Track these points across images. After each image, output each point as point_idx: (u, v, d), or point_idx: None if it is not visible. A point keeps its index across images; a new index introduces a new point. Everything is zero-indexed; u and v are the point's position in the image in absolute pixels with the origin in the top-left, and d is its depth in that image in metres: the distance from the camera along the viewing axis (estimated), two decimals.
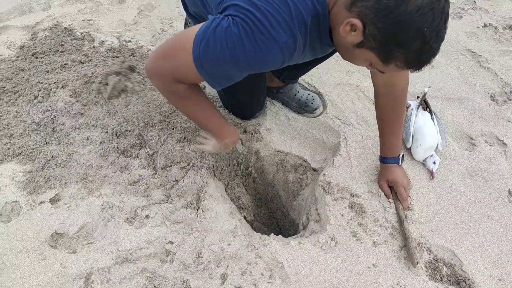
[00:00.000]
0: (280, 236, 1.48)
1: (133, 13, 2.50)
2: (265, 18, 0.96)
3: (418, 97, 1.78)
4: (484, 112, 1.80)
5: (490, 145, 1.67)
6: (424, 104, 1.77)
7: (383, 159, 1.53)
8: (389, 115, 1.44)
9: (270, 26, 0.96)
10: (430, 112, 1.72)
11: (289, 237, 1.46)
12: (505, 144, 1.66)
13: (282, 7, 0.97)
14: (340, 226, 1.42)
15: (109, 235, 1.37)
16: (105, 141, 1.65)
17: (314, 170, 1.72)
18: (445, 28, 0.90)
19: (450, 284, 1.28)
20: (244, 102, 1.75)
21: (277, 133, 1.82)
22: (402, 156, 1.52)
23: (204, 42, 1.02)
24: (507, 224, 1.41)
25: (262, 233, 1.49)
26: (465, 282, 1.27)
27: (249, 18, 0.97)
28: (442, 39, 0.91)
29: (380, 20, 0.88)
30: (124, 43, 2.22)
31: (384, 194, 1.51)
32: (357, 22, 0.92)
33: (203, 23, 1.06)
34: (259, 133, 1.80)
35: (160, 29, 2.39)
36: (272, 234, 1.48)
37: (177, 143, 1.66)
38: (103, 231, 1.38)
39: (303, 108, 1.84)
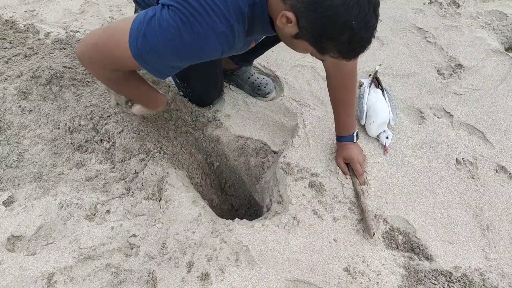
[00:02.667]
0: (244, 220, 1.50)
1: (79, 2, 2.38)
2: (201, 7, 0.95)
3: (370, 75, 1.84)
4: (432, 86, 1.89)
5: (438, 118, 1.76)
6: (376, 82, 1.83)
7: (339, 138, 1.58)
8: (341, 95, 1.48)
9: (207, 15, 0.95)
10: (382, 89, 1.78)
11: (253, 220, 1.49)
12: (452, 115, 1.76)
13: None
14: (301, 205, 1.46)
15: (69, 234, 1.34)
16: (58, 137, 1.60)
17: (275, 152, 1.74)
18: (375, 17, 0.91)
19: (405, 252, 1.36)
20: (199, 90, 1.74)
21: (236, 118, 1.82)
22: (357, 133, 1.57)
23: (142, 37, 1.00)
24: (455, 190, 1.51)
25: (227, 219, 1.51)
26: (418, 248, 1.35)
27: (185, 8, 0.95)
28: (373, 28, 0.93)
29: (309, 14, 0.90)
30: (71, 34, 2.13)
31: (342, 171, 1.56)
32: (290, 15, 0.93)
33: (137, 13, 1.04)
34: (218, 120, 1.80)
35: (109, 17, 2.30)
36: (237, 218, 1.51)
37: (134, 135, 1.63)
38: (63, 230, 1.35)
39: (256, 91, 1.85)
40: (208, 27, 0.97)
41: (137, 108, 1.47)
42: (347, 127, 1.55)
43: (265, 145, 1.78)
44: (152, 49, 1.01)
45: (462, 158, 1.60)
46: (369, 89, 1.77)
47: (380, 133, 1.65)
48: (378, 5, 0.92)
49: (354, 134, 1.56)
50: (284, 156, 1.63)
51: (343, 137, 1.57)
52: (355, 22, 0.88)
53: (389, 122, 1.67)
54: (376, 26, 0.93)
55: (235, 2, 0.98)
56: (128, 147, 1.60)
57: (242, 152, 1.81)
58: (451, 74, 1.95)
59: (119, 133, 1.64)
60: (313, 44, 0.97)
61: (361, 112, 1.70)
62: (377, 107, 1.67)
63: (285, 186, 1.54)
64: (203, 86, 1.72)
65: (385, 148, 1.63)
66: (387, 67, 1.99)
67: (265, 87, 1.85)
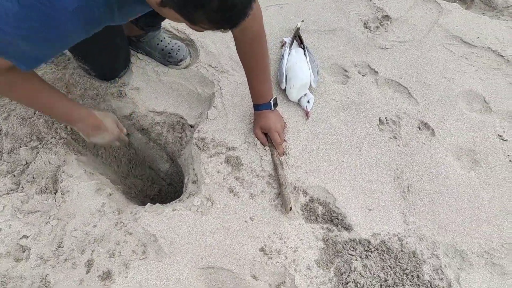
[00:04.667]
0: (157, 204, 1.38)
1: None
2: None
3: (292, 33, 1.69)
4: (357, 42, 1.77)
5: (362, 75, 1.66)
6: (298, 40, 1.68)
7: (255, 106, 1.45)
8: (250, 60, 1.34)
9: None
10: (304, 48, 1.64)
11: (163, 205, 1.36)
12: (377, 72, 1.66)
13: None
14: (217, 183, 1.35)
15: None
16: None
17: (192, 126, 1.60)
18: None
19: (324, 223, 1.29)
20: (100, 64, 1.53)
21: (147, 91, 1.64)
22: (275, 100, 1.45)
23: None
24: (377, 153, 1.44)
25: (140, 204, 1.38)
26: (337, 218, 1.29)
27: None
28: None
29: None
30: None
31: (260, 142, 1.45)
32: None
33: None
34: (126, 95, 1.61)
35: None
36: (149, 203, 1.38)
37: (23, 119, 1.42)
38: None
39: (167, 59, 1.66)
40: (55, 8, 0.85)
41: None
42: (262, 94, 1.42)
43: (182, 118, 1.62)
44: (13, 43, 0.89)
45: (386, 118, 1.53)
46: (290, 49, 1.63)
47: (301, 97, 1.53)
48: None
49: (271, 101, 1.43)
50: (198, 130, 1.49)
51: (259, 105, 1.44)
52: None
53: (310, 85, 1.55)
54: None
55: None
56: (16, 134, 1.39)
57: (157, 128, 1.65)
58: (377, 27, 1.83)
59: (5, 118, 1.42)
60: (180, 12, 0.81)
61: (280, 75, 1.57)
62: (296, 69, 1.54)
63: (200, 164, 1.41)
64: (103, 60, 1.52)
65: (306, 113, 1.52)
66: (312, 23, 1.84)
67: (177, 54, 1.66)
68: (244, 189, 1.34)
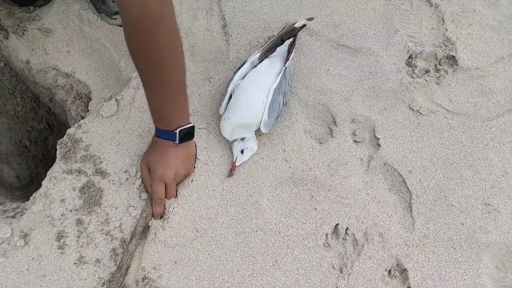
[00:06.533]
0: None
1: None
2: None
3: (283, 29, 1.07)
4: (382, 82, 1.10)
5: (354, 141, 1.03)
6: (290, 44, 1.06)
7: (156, 129, 0.93)
8: (139, 61, 0.79)
9: None
10: (286, 58, 1.03)
11: None
12: (379, 146, 1.01)
13: None
14: (49, 217, 0.91)
15: None
16: None
17: (88, 111, 1.12)
18: None
19: None
20: None
21: (60, 38, 1.16)
22: (187, 130, 0.91)
23: None
24: (299, 283, 0.88)
25: None
26: None
27: None
28: None
29: None
30: None
31: (143, 183, 0.95)
32: None
33: None
34: (29, 32, 1.15)
35: None
36: None
37: None
38: None
39: (100, 4, 1.15)
40: None
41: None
42: (162, 116, 0.89)
43: (89, 93, 1.15)
44: None
45: (347, 229, 0.93)
46: (259, 56, 1.02)
47: (235, 140, 0.97)
48: None
49: (177, 132, 0.89)
50: (79, 125, 1.02)
51: (158, 131, 0.92)
52: None
53: (258, 127, 0.97)
54: None
55: None
56: None
57: (56, 93, 1.20)
58: (427, 71, 1.11)
59: None
60: None
61: (223, 95, 1.00)
62: (242, 95, 0.96)
63: (49, 176, 0.96)
64: None
65: (232, 167, 0.96)
66: (329, 26, 1.17)
67: (113, 2, 1.14)
68: (77, 245, 0.89)
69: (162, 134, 0.91)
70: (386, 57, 1.12)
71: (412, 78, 1.09)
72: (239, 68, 1.02)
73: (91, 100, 1.11)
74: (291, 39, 1.06)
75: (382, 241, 0.90)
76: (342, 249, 0.90)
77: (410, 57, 1.13)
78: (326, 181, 0.96)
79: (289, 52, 1.04)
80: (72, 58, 1.16)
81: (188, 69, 1.10)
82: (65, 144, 0.99)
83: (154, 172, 0.90)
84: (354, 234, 0.91)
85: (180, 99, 0.87)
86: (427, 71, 1.10)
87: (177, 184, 0.95)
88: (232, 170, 0.96)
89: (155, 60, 0.77)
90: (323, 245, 0.90)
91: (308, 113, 1.06)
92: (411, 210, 0.94)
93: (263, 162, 0.98)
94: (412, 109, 1.05)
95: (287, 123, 1.03)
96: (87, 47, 1.17)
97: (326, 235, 0.91)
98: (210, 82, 1.08)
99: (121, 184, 0.96)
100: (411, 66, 1.12)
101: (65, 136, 1.01)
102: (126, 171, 0.97)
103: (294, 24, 1.07)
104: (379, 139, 1.01)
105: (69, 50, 1.16)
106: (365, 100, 1.06)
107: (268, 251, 0.89)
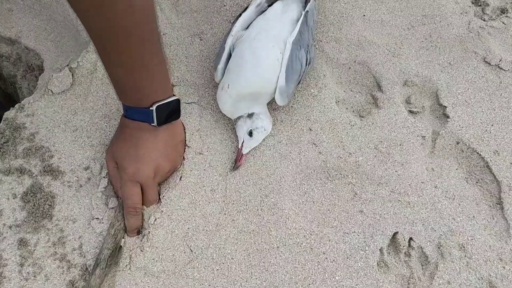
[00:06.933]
0: None
1: None
2: None
3: None
4: (445, 29, 0.79)
5: (410, 112, 0.72)
6: None
7: (123, 107, 0.63)
8: (92, 14, 0.49)
9: None
10: (306, 1, 0.72)
11: None
12: (447, 117, 0.71)
13: None
14: None
15: None
16: None
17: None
18: None
19: None
20: None
21: None
22: (173, 106, 0.62)
23: None
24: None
25: None
26: None
27: None
28: None
29: None
30: None
31: (112, 184, 0.66)
32: None
33: None
34: None
35: None
36: None
37: None
38: None
39: None
40: None
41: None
42: (128, 88, 0.60)
43: (41, 64, 0.85)
44: None
45: (410, 240, 0.64)
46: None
47: (239, 118, 0.67)
48: None
49: (153, 109, 0.60)
50: (18, 108, 0.73)
51: (127, 109, 0.63)
52: None
53: (273, 98, 0.67)
54: None
55: None
56: None
57: (1, 66, 0.90)
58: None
59: None
60: None
61: (219, 53, 0.70)
62: (245, 53, 0.65)
63: None
64: None
65: (238, 155, 0.67)
66: None
67: None
68: (20, 277, 0.61)
69: (133, 113, 0.62)
70: None
71: (484, 21, 0.78)
72: (240, 14, 0.71)
73: (38, 73, 0.81)
74: None
75: (465, 256, 0.61)
76: (406, 271, 0.61)
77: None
78: (374, 171, 0.66)
79: None
80: (16, 18, 0.86)
81: (169, 23, 0.79)
82: (1, 133, 0.70)
83: (124, 169, 0.61)
84: (422, 248, 0.62)
85: (153, 63, 0.57)
86: (503, 11, 0.79)
87: (159, 185, 0.66)
88: (238, 160, 0.66)
89: (124, 12, 0.47)
90: (377, 265, 0.61)
91: (341, 76, 0.75)
92: (502, 208, 0.64)
93: (282, 148, 0.69)
94: (489, 63, 0.74)
95: (313, 90, 0.73)
96: (34, 3, 0.86)
97: (381, 250, 0.62)
98: (200, 39, 0.78)
99: (80, 186, 0.67)
100: (480, 5, 0.80)
101: (1, 122, 0.72)
102: (87, 168, 0.68)
103: None
104: (445, 107, 0.71)
105: (11, 8, 0.86)
106: (421, 54, 0.76)
107: (297, 277, 0.60)
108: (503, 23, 0.77)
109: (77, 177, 0.67)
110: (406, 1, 0.81)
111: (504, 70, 0.73)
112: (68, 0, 0.49)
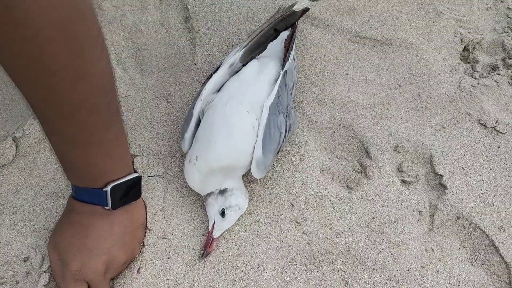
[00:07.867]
0: None
1: None
2: None
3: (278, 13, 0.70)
4: (436, 86, 0.73)
5: (403, 182, 0.65)
6: (289, 36, 0.69)
7: (72, 187, 0.53)
8: (33, 81, 0.41)
9: None
10: (284, 59, 0.65)
11: None
12: (445, 188, 0.64)
13: None
14: None
15: None
16: None
17: None
18: None
19: None
20: None
21: None
22: (132, 184, 0.52)
23: None
24: None
25: None
26: None
27: None
28: None
29: None
30: None
31: (54, 278, 0.55)
32: None
33: None
34: None
35: None
36: None
37: None
38: None
39: None
40: None
41: None
42: (77, 166, 0.50)
43: None
44: None
45: None
46: (241, 52, 0.65)
47: (209, 194, 0.58)
48: None
49: (108, 190, 0.50)
50: None
51: (76, 190, 0.53)
52: None
53: (248, 170, 0.58)
54: None
55: None
56: None
57: None
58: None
59: None
60: None
61: (186, 120, 0.62)
62: (216, 120, 0.57)
63: None
64: None
65: (208, 240, 0.57)
66: (370, 27, 0.81)
67: None
68: None
69: (82, 194, 0.52)
70: (431, 50, 0.75)
71: (475, 79, 0.73)
72: (211, 75, 0.64)
73: None
74: (288, 31, 0.70)
75: None
76: None
77: (465, 49, 0.77)
78: (367, 255, 0.57)
79: (288, 48, 0.67)
80: None
81: (133, 84, 0.71)
82: None
83: (66, 265, 0.50)
84: None
85: (109, 137, 0.48)
86: (494, 68, 0.74)
87: (112, 280, 0.55)
88: (208, 246, 0.56)
89: (35, 55, 0.38)
90: None
91: (325, 141, 0.68)
92: None
93: (260, 228, 0.59)
94: (485, 126, 0.68)
95: (294, 158, 0.64)
96: None
97: None
98: (167, 102, 0.70)
99: (16, 283, 0.55)
100: (469, 62, 0.76)
101: None
102: (26, 260, 0.57)
103: (291, 7, 0.71)
104: (442, 176, 0.63)
105: None
106: (410, 115, 0.69)
107: None
108: (495, 81, 0.72)
109: (13, 271, 0.56)
110: (391, 58, 0.75)
111: (502, 133, 0.67)
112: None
